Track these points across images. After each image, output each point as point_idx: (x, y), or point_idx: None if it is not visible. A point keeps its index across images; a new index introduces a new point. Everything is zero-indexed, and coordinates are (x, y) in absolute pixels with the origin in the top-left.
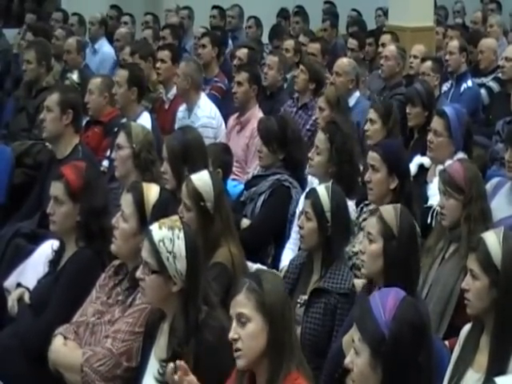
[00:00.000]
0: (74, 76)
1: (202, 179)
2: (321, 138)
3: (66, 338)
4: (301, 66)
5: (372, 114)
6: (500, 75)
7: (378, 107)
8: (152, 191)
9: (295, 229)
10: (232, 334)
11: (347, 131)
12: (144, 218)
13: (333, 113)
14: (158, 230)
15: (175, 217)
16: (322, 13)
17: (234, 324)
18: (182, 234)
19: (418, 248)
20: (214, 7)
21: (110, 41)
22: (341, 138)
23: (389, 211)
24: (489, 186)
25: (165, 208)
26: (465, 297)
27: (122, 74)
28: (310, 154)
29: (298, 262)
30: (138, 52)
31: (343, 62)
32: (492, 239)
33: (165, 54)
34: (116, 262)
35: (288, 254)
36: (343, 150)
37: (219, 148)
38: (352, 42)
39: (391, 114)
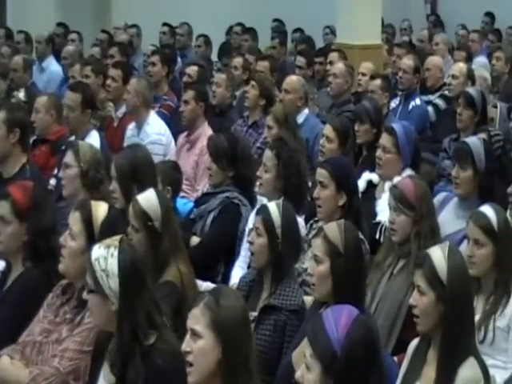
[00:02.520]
0: (21, 94)
1: (148, 199)
2: (268, 155)
3: (12, 358)
4: (252, 82)
5: (329, 132)
6: (446, 93)
7: (336, 125)
8: (100, 209)
9: (245, 246)
10: (184, 347)
11: (294, 146)
12: (92, 236)
13: (281, 130)
14: (96, 249)
15: (118, 236)
16: (270, 31)
17: (188, 337)
18: (116, 252)
19: (364, 263)
20: (164, 25)
21: (58, 58)
22: (287, 153)
23: (333, 229)
24: (436, 200)
25: (113, 226)
26: (413, 313)
27: (75, 98)
28: (258, 173)
29: (248, 279)
30: (91, 65)
31: (292, 80)
32: (437, 254)
33: (116, 73)
34: (64, 281)
35: (238, 272)
36: (290, 164)
37: (168, 166)
38: (300, 60)
39: (349, 133)
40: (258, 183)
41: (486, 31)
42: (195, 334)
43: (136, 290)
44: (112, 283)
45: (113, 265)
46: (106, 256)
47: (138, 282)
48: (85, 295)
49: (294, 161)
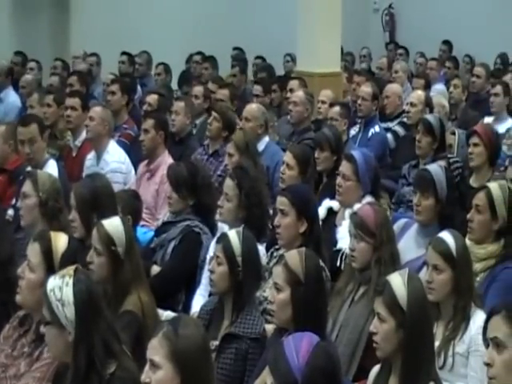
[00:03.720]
0: None
1: (113, 224)
2: (229, 184)
3: None
4: (214, 114)
5: (289, 159)
6: (405, 120)
7: (296, 153)
8: (60, 240)
9: (206, 275)
10: (144, 378)
11: (255, 175)
12: (52, 268)
13: (242, 158)
14: (51, 280)
15: (73, 266)
16: (231, 59)
17: (147, 368)
18: (71, 281)
19: (325, 291)
20: (123, 53)
21: (16, 86)
22: (249, 183)
23: (294, 257)
24: (396, 227)
25: (73, 257)
26: (373, 340)
27: (31, 130)
28: (219, 202)
29: (209, 308)
30: (53, 94)
31: (252, 108)
32: (397, 281)
33: (75, 102)
34: (21, 313)
35: (199, 301)
36: (252, 194)
37: (128, 195)
38: (257, 89)
39: (309, 161)
40: (218, 211)
41: (443, 59)
42: (154, 365)
43: (92, 317)
44: (68, 312)
45: (68, 294)
46: (60, 286)
47: (93, 310)
48: (42, 329)
49: (256, 190)
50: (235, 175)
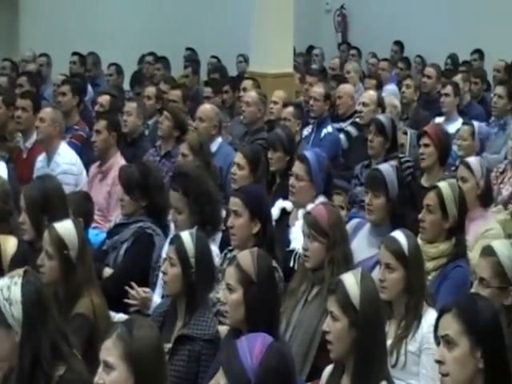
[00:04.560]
0: None
1: (65, 227)
2: (175, 197)
3: None
4: (165, 113)
5: (240, 160)
6: (358, 120)
7: (246, 153)
8: (9, 243)
9: (161, 276)
10: (97, 379)
11: (196, 173)
12: (1, 271)
13: (196, 159)
14: (0, 281)
15: (24, 268)
16: (183, 59)
17: (100, 369)
18: (19, 281)
19: (278, 291)
20: (74, 54)
21: None
22: (193, 186)
23: (246, 258)
24: (349, 227)
25: (23, 260)
26: (326, 338)
27: None
28: (171, 216)
29: (162, 310)
30: (2, 96)
31: (206, 108)
32: (350, 280)
33: (26, 103)
34: None
35: (155, 303)
36: (201, 195)
37: (80, 196)
38: (207, 90)
39: (260, 160)
40: (174, 225)
41: (395, 59)
42: (108, 366)
43: (40, 318)
44: (15, 311)
45: (16, 292)
46: (9, 285)
47: (42, 311)
48: None
49: (203, 188)
50: (178, 185)
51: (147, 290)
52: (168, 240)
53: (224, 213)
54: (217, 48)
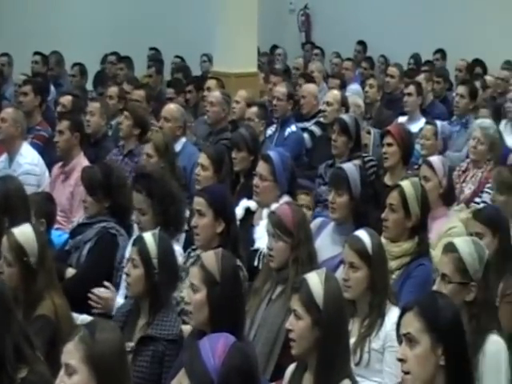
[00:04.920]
0: None
1: (24, 233)
2: (139, 198)
3: None
4: (124, 112)
5: (203, 160)
6: (321, 119)
7: (209, 153)
8: None
9: (125, 277)
10: (58, 382)
11: (159, 173)
12: None
13: (161, 159)
14: None
15: None
16: (147, 59)
17: (62, 372)
18: None
19: (242, 291)
20: (36, 53)
21: None
22: (157, 187)
23: (210, 257)
24: (313, 226)
25: None
26: (289, 337)
27: None
28: (135, 218)
29: (125, 310)
30: None
31: (172, 108)
32: (314, 280)
33: None
34: None
35: (118, 303)
36: (165, 196)
37: (42, 197)
38: (169, 91)
39: (223, 160)
40: (138, 227)
41: (358, 59)
42: (69, 369)
43: (3, 319)
44: None
45: None
46: None
47: (4, 313)
48: None
49: (166, 189)
50: (141, 186)
51: (109, 287)
52: (131, 240)
53: (188, 213)
54: (181, 48)
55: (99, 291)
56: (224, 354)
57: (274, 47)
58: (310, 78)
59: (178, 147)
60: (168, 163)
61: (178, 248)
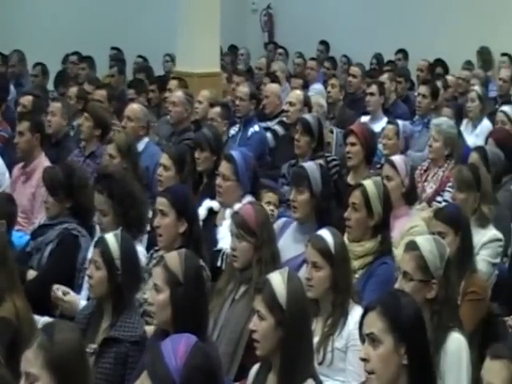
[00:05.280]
0: None
1: None
2: (100, 199)
3: None
4: (84, 114)
5: (165, 161)
6: (284, 119)
7: (171, 153)
8: None
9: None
10: None
11: (121, 174)
12: None
13: (124, 161)
14: None
15: None
16: (109, 58)
17: (22, 381)
18: None
19: (205, 291)
20: None
21: None
22: (118, 187)
23: (173, 258)
24: (276, 226)
25: None
26: (253, 337)
27: None
28: (96, 219)
29: (87, 312)
30: None
31: (135, 108)
32: (277, 280)
33: None
34: None
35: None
36: (125, 197)
37: (2, 198)
38: (130, 92)
39: (185, 160)
40: (99, 228)
41: (321, 59)
42: (30, 378)
43: None
44: None
45: None
46: None
47: None
48: None
49: (127, 190)
50: (102, 187)
51: (72, 293)
52: (93, 242)
53: (151, 213)
54: (143, 47)
55: (61, 289)
56: (186, 354)
57: (233, 47)
58: (275, 78)
59: (140, 147)
60: (130, 163)
61: (140, 249)
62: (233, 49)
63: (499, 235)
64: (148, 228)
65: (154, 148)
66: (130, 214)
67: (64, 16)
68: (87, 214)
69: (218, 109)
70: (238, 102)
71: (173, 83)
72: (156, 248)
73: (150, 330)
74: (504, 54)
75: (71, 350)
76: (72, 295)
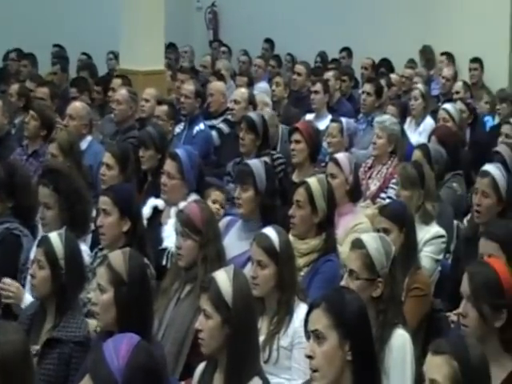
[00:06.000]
0: None
1: None
2: (45, 192)
3: None
4: (31, 113)
5: (108, 159)
6: (229, 117)
7: (114, 152)
8: None
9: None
10: None
11: (67, 171)
12: None
13: (66, 159)
14: None
15: None
16: (51, 56)
17: None
18: None
19: (150, 290)
20: None
21: None
22: (64, 183)
23: (117, 257)
24: (221, 224)
25: None
26: (199, 337)
27: None
28: (39, 214)
29: (30, 312)
30: None
31: (77, 106)
32: (223, 278)
33: None
34: None
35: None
36: (71, 193)
37: None
38: (72, 90)
39: (129, 158)
40: (41, 223)
41: (266, 57)
42: None
43: None
44: None
45: None
46: None
47: None
48: None
49: (73, 186)
50: (48, 180)
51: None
52: (36, 241)
53: (95, 212)
54: (87, 45)
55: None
56: (128, 354)
57: (171, 45)
58: (220, 76)
59: (83, 145)
60: (73, 162)
61: (84, 248)
62: (172, 46)
63: (442, 232)
64: (92, 227)
65: (98, 146)
66: (74, 210)
67: (5, 12)
68: (29, 213)
69: (164, 107)
70: (182, 100)
71: (116, 82)
72: (100, 247)
73: (92, 324)
74: (443, 53)
75: (15, 351)
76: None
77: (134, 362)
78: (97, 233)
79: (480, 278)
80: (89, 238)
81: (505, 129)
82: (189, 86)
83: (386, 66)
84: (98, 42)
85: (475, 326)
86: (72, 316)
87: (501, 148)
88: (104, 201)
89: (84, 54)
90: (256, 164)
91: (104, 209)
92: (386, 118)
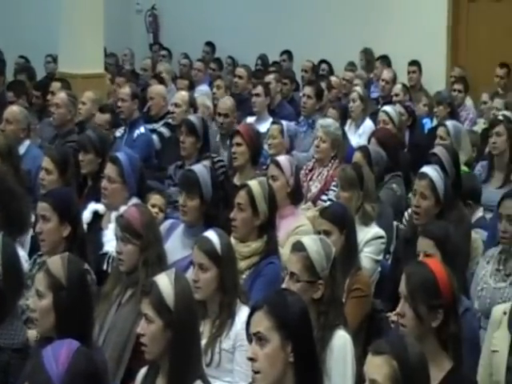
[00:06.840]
0: None
1: None
2: None
3: None
4: None
5: (47, 164)
6: (170, 121)
7: (53, 156)
8: None
9: None
10: None
11: (2, 174)
12: None
13: (4, 164)
14: None
15: None
16: None
17: None
18: None
19: (90, 295)
20: None
21: None
22: None
23: (56, 262)
24: (162, 227)
25: None
26: (141, 341)
27: None
28: None
29: None
30: None
31: (14, 110)
32: (164, 281)
33: None
34: None
35: None
36: (3, 192)
37: None
38: (9, 95)
39: (68, 162)
40: None
41: (207, 60)
42: None
43: None
44: None
45: None
46: None
47: None
48: None
49: (5, 186)
50: None
51: None
52: None
53: (33, 217)
54: (24, 47)
55: None
56: (67, 359)
57: (122, 48)
58: (160, 79)
59: (21, 150)
60: (11, 167)
61: (23, 254)
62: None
63: (382, 232)
64: (31, 233)
65: (36, 151)
66: (9, 209)
67: None
68: None
69: (107, 116)
70: (120, 104)
71: (55, 85)
72: (39, 253)
73: (32, 337)
74: (379, 58)
75: None
76: None
77: (74, 368)
78: (36, 238)
79: (417, 278)
80: (27, 243)
81: (440, 131)
82: (125, 89)
83: (326, 68)
84: (35, 44)
85: (412, 325)
86: (10, 323)
87: (437, 150)
88: (42, 207)
89: (21, 56)
90: (202, 171)
91: (43, 215)
92: (331, 123)
